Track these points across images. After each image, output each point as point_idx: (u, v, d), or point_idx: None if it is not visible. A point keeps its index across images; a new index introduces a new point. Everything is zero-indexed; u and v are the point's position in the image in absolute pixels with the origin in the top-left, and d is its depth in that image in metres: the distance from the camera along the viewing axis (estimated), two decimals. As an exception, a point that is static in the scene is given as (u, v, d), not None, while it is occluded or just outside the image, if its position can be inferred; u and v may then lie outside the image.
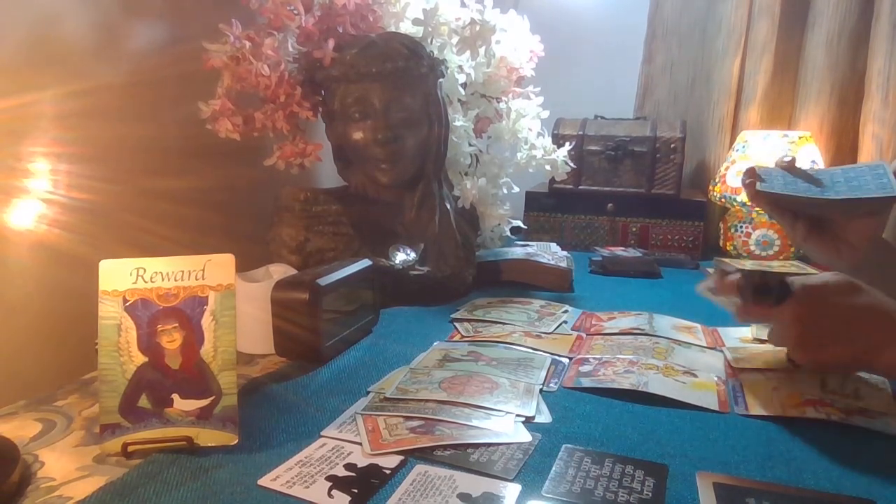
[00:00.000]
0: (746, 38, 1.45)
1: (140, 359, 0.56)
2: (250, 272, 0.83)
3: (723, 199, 1.36)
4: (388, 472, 0.52)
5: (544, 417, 0.62)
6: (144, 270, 0.57)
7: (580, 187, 1.46)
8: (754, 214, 1.32)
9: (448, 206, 1.06)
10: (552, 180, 1.35)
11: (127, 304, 0.56)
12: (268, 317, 0.74)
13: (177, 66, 0.92)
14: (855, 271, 0.69)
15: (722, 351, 0.81)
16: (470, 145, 1.16)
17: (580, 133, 1.45)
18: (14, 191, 0.75)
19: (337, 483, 0.50)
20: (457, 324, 0.90)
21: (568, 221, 1.48)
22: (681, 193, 1.42)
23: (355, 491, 0.49)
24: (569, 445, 0.57)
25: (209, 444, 0.55)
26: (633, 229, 1.44)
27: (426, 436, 0.57)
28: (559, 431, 0.60)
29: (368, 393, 0.67)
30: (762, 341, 0.81)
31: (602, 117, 1.51)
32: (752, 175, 0.78)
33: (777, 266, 1.18)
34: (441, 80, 1.02)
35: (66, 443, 0.57)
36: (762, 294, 0.65)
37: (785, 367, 0.72)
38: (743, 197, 1.30)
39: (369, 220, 1.01)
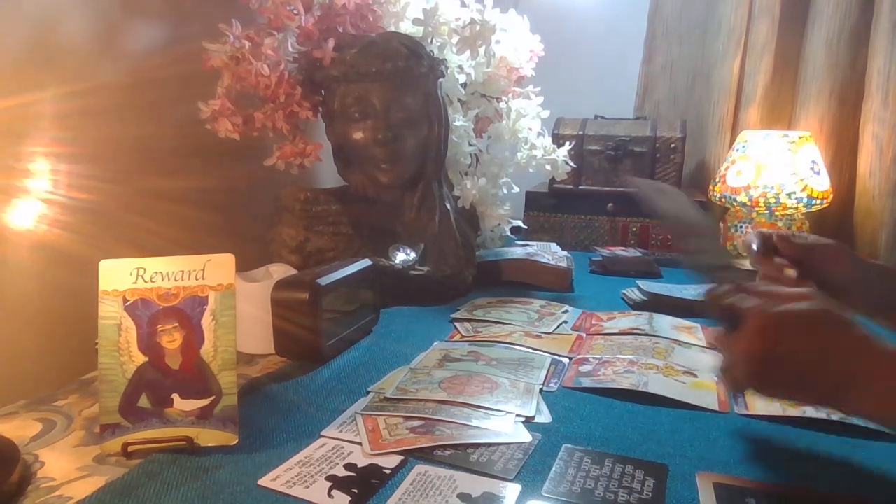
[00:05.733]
0: (746, 38, 1.45)
1: (140, 359, 0.56)
2: (250, 272, 0.83)
3: (723, 199, 1.36)
4: (388, 472, 0.52)
5: (544, 417, 0.62)
6: (144, 270, 0.57)
7: (580, 187, 1.46)
8: (754, 214, 1.32)
9: (448, 206, 1.06)
10: (552, 180, 1.35)
11: (127, 303, 0.56)
12: (268, 317, 0.74)
13: (177, 66, 0.92)
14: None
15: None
16: (470, 145, 1.16)
17: (580, 133, 1.45)
18: (14, 191, 0.75)
19: (337, 483, 0.50)
20: (457, 324, 0.90)
21: (568, 221, 1.48)
22: (681, 193, 1.42)
23: (355, 491, 0.49)
24: (569, 445, 0.57)
25: (209, 444, 0.55)
26: (633, 229, 1.44)
27: (426, 436, 0.57)
28: (559, 431, 0.60)
29: (368, 393, 0.67)
30: None
31: (602, 117, 1.51)
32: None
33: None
34: (441, 79, 1.02)
35: (66, 443, 0.57)
36: (722, 318, 0.53)
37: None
38: (743, 197, 1.30)
39: (369, 220, 1.01)
